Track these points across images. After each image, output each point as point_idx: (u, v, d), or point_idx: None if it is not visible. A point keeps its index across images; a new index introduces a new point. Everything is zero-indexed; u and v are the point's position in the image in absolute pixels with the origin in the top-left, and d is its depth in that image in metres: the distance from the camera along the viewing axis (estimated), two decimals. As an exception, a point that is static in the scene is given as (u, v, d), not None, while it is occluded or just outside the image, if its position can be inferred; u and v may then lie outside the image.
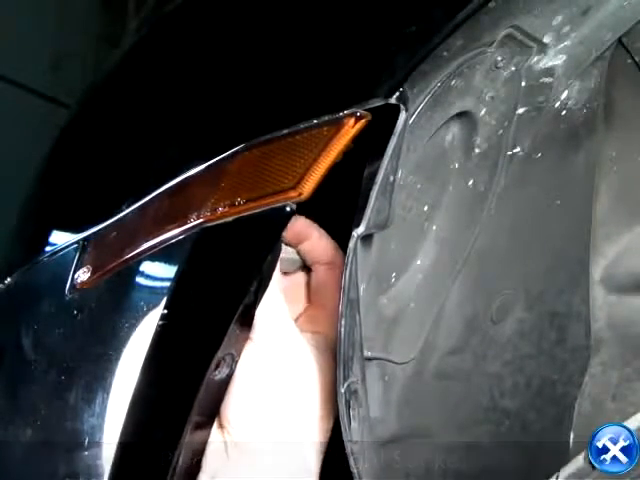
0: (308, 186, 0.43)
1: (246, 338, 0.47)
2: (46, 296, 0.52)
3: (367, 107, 0.44)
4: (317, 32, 0.51)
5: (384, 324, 0.51)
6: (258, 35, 0.53)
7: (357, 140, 0.46)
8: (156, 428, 0.46)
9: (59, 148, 0.65)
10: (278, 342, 0.47)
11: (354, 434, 0.44)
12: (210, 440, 0.48)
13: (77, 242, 0.52)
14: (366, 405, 0.46)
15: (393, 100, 0.43)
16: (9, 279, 0.58)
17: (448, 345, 0.56)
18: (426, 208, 0.52)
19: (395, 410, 0.53)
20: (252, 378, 0.47)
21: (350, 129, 0.43)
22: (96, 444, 0.46)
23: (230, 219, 0.45)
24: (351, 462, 0.44)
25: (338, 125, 0.43)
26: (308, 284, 0.52)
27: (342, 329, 0.42)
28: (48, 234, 0.57)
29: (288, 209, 0.44)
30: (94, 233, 0.52)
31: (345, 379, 0.43)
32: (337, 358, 0.43)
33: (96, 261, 0.50)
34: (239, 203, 0.45)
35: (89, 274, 0.50)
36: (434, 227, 0.53)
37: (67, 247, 0.53)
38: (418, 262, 0.53)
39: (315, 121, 0.45)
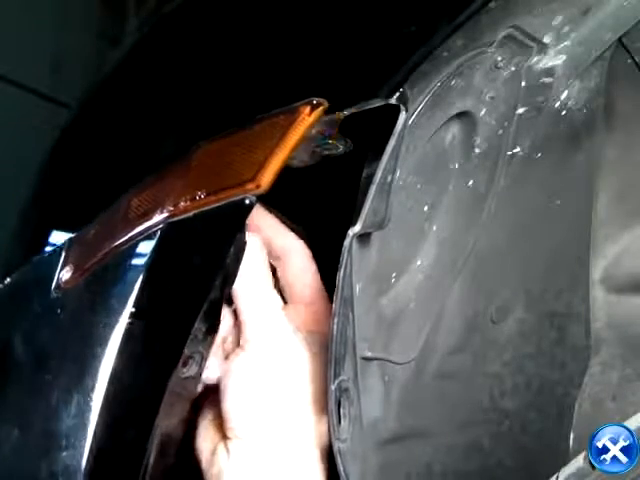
0: (266, 178, 0.43)
1: (214, 335, 0.46)
2: (36, 295, 0.53)
3: (367, 107, 0.44)
4: (317, 32, 0.50)
5: (384, 324, 0.51)
6: (258, 36, 0.53)
7: (357, 140, 0.46)
8: (127, 427, 0.46)
9: (59, 148, 0.65)
10: (273, 347, 0.47)
11: (343, 433, 0.44)
12: (213, 444, 0.48)
13: (65, 241, 0.53)
14: (358, 405, 0.46)
15: (393, 100, 0.43)
16: (9, 279, 0.58)
17: (448, 345, 0.56)
18: (426, 208, 0.52)
19: (395, 410, 0.53)
20: (250, 384, 0.47)
21: (306, 117, 0.43)
22: (72, 445, 0.46)
23: (192, 214, 0.45)
24: (338, 461, 0.44)
25: (294, 114, 0.43)
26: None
27: (335, 327, 0.42)
28: (48, 234, 0.57)
29: (247, 202, 0.44)
30: (78, 233, 0.52)
31: (336, 377, 0.43)
32: (329, 356, 0.43)
33: (77, 260, 0.50)
34: (199, 197, 0.45)
35: (71, 273, 0.50)
36: (434, 227, 0.53)
37: (57, 246, 0.53)
38: (418, 262, 0.53)
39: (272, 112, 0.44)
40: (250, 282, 0.47)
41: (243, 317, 0.47)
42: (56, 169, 0.64)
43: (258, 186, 0.43)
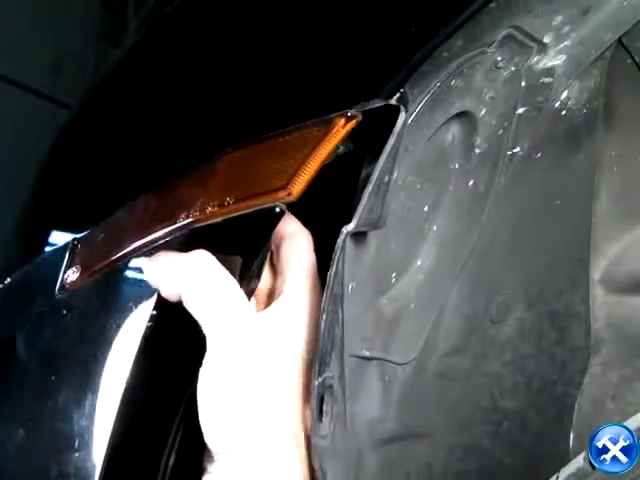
0: (298, 186, 0.43)
1: None
2: (38, 296, 0.52)
3: (367, 108, 0.44)
4: (318, 34, 0.51)
5: (384, 324, 0.51)
6: (259, 37, 0.53)
7: (358, 141, 0.47)
8: (145, 429, 0.46)
9: (59, 148, 0.65)
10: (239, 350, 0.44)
11: (323, 429, 0.43)
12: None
13: (69, 242, 0.52)
14: (343, 404, 0.46)
15: (393, 101, 0.43)
16: (9, 279, 0.58)
17: (448, 345, 0.56)
18: (426, 208, 0.52)
19: (395, 410, 0.53)
20: (219, 392, 0.43)
21: (340, 129, 0.43)
22: (86, 445, 0.46)
23: (219, 219, 0.45)
24: (314, 457, 0.43)
25: (328, 125, 0.43)
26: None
27: (322, 323, 0.42)
28: (48, 234, 0.57)
29: (277, 210, 0.44)
30: (85, 234, 0.52)
31: (320, 373, 0.43)
32: (315, 351, 0.42)
33: (85, 261, 0.50)
34: (228, 203, 0.44)
35: (78, 274, 0.50)
36: (434, 227, 0.53)
37: (60, 247, 0.53)
38: (419, 262, 0.53)
39: (306, 122, 0.44)
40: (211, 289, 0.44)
41: (205, 323, 0.44)
42: (56, 169, 0.64)
43: (289, 194, 0.43)
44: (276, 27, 0.52)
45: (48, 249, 0.56)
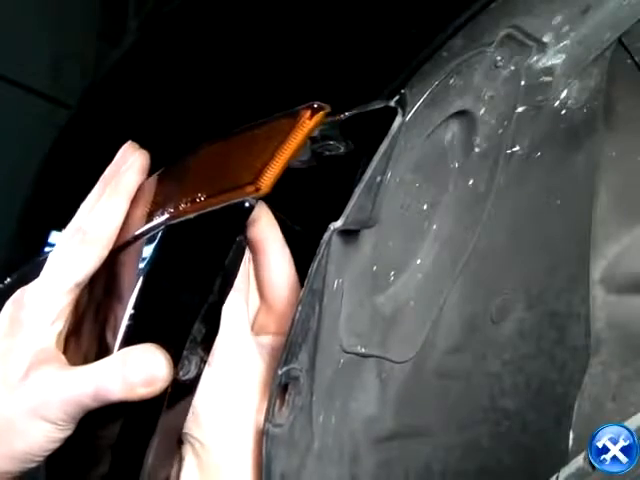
0: (266, 181, 0.43)
1: (214, 337, 0.46)
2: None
3: (368, 109, 0.44)
4: (318, 35, 0.51)
5: (381, 322, 0.51)
6: (260, 40, 0.53)
7: (358, 141, 0.47)
8: (126, 431, 0.46)
9: (58, 148, 0.65)
10: (237, 365, 0.47)
11: (279, 418, 0.43)
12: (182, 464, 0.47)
13: None
14: (310, 398, 0.46)
15: (392, 103, 0.44)
16: (9, 279, 0.58)
17: (448, 344, 0.56)
18: (425, 207, 0.52)
19: (392, 408, 0.53)
20: (213, 398, 0.47)
21: (307, 121, 0.43)
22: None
23: (192, 216, 0.45)
24: (264, 442, 0.43)
25: (295, 118, 0.43)
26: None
27: (297, 315, 0.42)
28: (48, 234, 0.58)
29: (247, 205, 0.44)
30: None
31: (287, 363, 0.43)
32: (285, 340, 0.43)
33: None
34: (200, 199, 0.45)
35: None
36: (434, 226, 0.53)
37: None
38: (418, 261, 0.53)
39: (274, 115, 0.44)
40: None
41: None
42: (55, 169, 0.64)
43: (258, 189, 0.43)
44: (277, 29, 0.52)
45: (48, 249, 0.57)
